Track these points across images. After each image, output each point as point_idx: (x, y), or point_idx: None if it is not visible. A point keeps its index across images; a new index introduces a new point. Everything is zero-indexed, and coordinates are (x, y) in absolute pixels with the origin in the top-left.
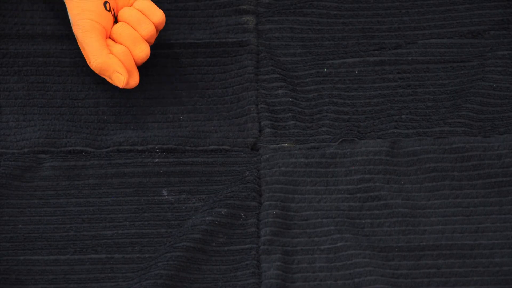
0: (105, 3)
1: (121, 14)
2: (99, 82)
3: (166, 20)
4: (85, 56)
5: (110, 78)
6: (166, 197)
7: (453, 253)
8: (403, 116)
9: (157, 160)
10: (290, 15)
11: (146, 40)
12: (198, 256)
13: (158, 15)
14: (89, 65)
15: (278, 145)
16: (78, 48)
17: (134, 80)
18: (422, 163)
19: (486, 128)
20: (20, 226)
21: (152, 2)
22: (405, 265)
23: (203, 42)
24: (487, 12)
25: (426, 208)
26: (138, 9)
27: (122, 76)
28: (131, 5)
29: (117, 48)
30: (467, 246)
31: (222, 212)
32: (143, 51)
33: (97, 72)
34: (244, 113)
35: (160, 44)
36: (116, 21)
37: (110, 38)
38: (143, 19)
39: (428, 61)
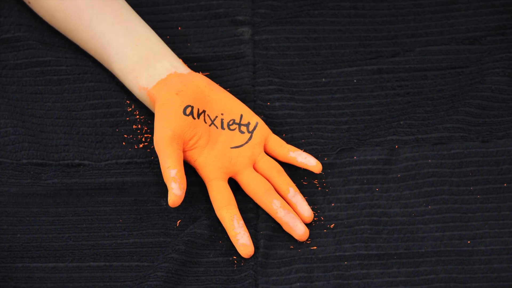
0: (185, 108)
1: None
2: (95, 89)
3: (161, 31)
4: None
5: None
6: (165, 206)
7: (452, 259)
8: (401, 122)
9: (156, 170)
10: (286, 25)
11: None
12: (196, 269)
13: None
14: None
15: None
16: (76, 57)
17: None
18: (421, 169)
19: (484, 133)
20: (18, 235)
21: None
22: (404, 272)
23: (198, 56)
24: (483, 18)
25: (425, 214)
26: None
27: (171, 193)
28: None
29: None
30: (466, 252)
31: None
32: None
33: None
34: None
35: None
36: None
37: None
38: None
39: (426, 68)
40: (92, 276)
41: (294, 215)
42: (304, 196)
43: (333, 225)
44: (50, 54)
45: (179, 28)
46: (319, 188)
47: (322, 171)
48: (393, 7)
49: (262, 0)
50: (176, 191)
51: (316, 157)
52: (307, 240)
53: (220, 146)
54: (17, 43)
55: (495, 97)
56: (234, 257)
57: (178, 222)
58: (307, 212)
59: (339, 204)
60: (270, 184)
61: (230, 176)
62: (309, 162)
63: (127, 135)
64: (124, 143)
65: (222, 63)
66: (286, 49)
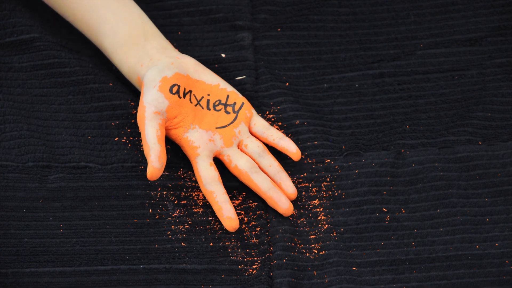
0: (172, 86)
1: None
2: (100, 91)
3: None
4: None
5: None
6: (171, 210)
7: (463, 264)
8: (406, 127)
9: (162, 174)
10: (286, 30)
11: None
12: (210, 277)
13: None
14: None
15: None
16: (79, 59)
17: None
18: (428, 173)
19: (490, 136)
20: (26, 239)
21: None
22: (416, 278)
23: (200, 60)
24: (483, 19)
25: (434, 218)
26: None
27: (150, 166)
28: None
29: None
30: (477, 255)
31: (233, 234)
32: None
33: None
34: None
35: None
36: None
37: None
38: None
39: (428, 71)
40: (99, 279)
41: (278, 190)
42: (311, 201)
43: (343, 230)
44: (54, 56)
45: (179, 33)
46: (329, 192)
47: (329, 175)
48: (392, 10)
49: (262, 5)
50: (155, 164)
51: (323, 161)
52: (317, 244)
53: (205, 126)
54: (21, 46)
55: (498, 100)
56: (250, 265)
57: (187, 226)
58: (291, 188)
59: (347, 209)
60: (254, 162)
61: (215, 155)
62: (290, 148)
63: (133, 137)
64: (130, 146)
65: (223, 66)
66: (287, 54)
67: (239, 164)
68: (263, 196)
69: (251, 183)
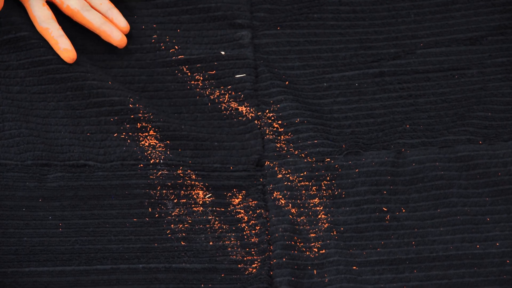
0: None
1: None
2: (98, 87)
3: (161, 33)
4: None
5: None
6: (171, 209)
7: (464, 263)
8: (406, 126)
9: (161, 172)
10: (286, 28)
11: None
12: (210, 276)
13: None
14: None
15: (283, 160)
16: (76, 54)
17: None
18: (428, 172)
19: (491, 136)
20: (25, 238)
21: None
22: (416, 277)
23: (199, 58)
24: (484, 18)
25: (434, 217)
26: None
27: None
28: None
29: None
30: (477, 255)
31: (233, 233)
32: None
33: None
34: (247, 130)
35: (157, 60)
36: None
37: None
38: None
39: (428, 70)
40: (99, 279)
41: (110, 24)
42: (312, 200)
43: (344, 229)
44: (51, 52)
45: (178, 30)
46: (329, 191)
47: (330, 173)
48: (393, 9)
49: (261, 3)
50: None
51: (323, 160)
52: (317, 243)
53: None
54: (19, 43)
55: (499, 100)
56: (249, 264)
57: (186, 225)
58: (122, 23)
59: (348, 208)
60: (85, 2)
61: None
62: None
63: (132, 133)
64: (129, 141)
65: (223, 63)
66: (287, 53)
67: (70, 4)
68: (97, 31)
69: (84, 20)
